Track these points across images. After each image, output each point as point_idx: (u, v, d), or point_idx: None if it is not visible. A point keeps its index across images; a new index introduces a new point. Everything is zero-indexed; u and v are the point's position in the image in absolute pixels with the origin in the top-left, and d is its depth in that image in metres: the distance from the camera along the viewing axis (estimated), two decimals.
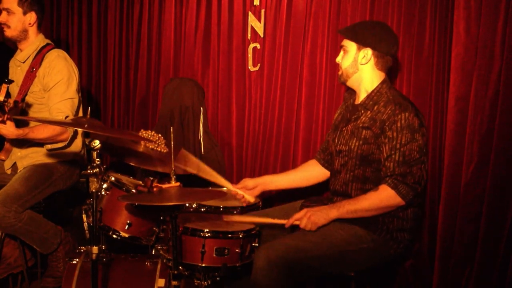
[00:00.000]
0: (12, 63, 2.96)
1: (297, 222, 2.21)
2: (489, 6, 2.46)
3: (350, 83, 2.37)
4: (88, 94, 3.92)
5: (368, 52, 2.28)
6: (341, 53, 2.37)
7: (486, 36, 2.47)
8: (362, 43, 2.29)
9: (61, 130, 2.68)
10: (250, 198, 2.53)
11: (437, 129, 2.79)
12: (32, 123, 2.70)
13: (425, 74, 2.80)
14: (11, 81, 2.59)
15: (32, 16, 2.78)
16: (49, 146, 2.76)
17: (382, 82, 2.31)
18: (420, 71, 2.81)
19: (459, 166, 2.59)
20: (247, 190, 2.55)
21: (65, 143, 2.76)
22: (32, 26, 2.80)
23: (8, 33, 2.79)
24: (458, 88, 2.56)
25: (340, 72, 2.38)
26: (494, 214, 2.51)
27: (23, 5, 2.76)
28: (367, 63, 2.29)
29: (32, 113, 2.80)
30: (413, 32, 2.80)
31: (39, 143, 2.76)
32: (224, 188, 2.61)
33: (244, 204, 2.53)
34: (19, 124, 2.59)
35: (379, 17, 2.87)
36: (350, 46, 2.32)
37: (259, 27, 3.23)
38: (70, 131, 2.73)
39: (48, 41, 2.89)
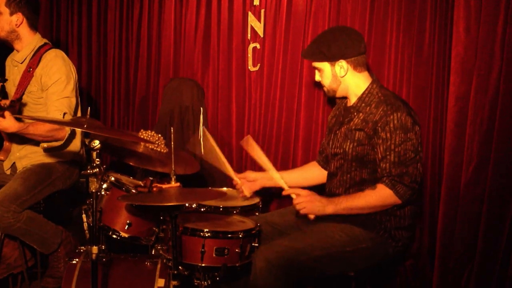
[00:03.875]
0: (8, 62, 2.95)
1: (294, 195, 2.26)
2: (489, 6, 2.46)
3: (338, 94, 2.37)
4: (88, 94, 3.92)
5: (342, 63, 2.27)
6: (316, 72, 2.37)
7: (486, 36, 2.48)
8: (332, 58, 2.27)
9: (59, 126, 2.68)
10: (246, 191, 2.54)
11: (437, 129, 2.79)
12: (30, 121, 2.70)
13: (425, 74, 2.80)
14: (5, 80, 2.59)
15: (19, 17, 2.75)
16: (45, 145, 2.76)
17: (372, 83, 2.30)
18: (420, 71, 2.81)
19: (459, 166, 2.59)
20: (248, 181, 2.55)
21: (62, 141, 2.75)
22: (19, 27, 2.76)
23: None
24: (458, 88, 2.56)
25: (326, 89, 2.38)
26: (494, 214, 2.52)
27: (10, 5, 2.72)
28: (346, 73, 2.29)
29: (30, 113, 2.79)
30: (413, 32, 2.80)
31: (38, 143, 2.77)
32: (224, 188, 2.61)
33: (241, 195, 2.56)
34: None
35: (379, 17, 2.88)
36: (323, 65, 2.31)
37: (259, 27, 3.23)
38: (67, 129, 2.72)
39: (45, 40, 2.88)
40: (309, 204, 2.21)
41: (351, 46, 2.25)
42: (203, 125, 3.30)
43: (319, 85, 3.08)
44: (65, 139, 2.76)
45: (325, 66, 2.30)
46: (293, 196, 2.26)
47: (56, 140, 2.74)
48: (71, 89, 2.77)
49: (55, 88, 2.72)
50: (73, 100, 2.78)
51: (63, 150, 2.83)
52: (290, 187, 2.58)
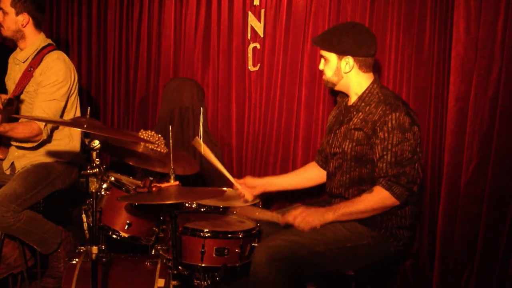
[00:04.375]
0: (11, 60, 2.95)
1: (292, 221, 2.22)
2: (489, 6, 2.46)
3: (338, 88, 2.37)
4: (88, 94, 3.92)
5: (349, 60, 2.26)
6: (322, 60, 2.35)
7: (486, 36, 2.48)
8: (341, 52, 2.26)
9: (38, 132, 2.68)
10: (248, 196, 2.53)
11: (437, 129, 2.79)
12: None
13: (425, 74, 2.80)
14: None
15: (25, 17, 2.75)
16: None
17: (373, 82, 2.30)
18: (420, 71, 2.81)
19: (459, 166, 2.59)
20: (247, 187, 2.55)
21: (35, 144, 2.76)
22: (25, 27, 2.77)
23: (3, 32, 2.80)
24: (458, 88, 2.56)
25: (325, 79, 2.36)
26: (494, 214, 2.52)
27: (16, 5, 2.73)
28: (351, 70, 2.28)
29: (26, 112, 2.79)
30: (413, 32, 2.80)
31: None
32: (224, 188, 2.61)
33: (242, 200, 2.55)
34: (12, 120, 2.62)
35: (379, 17, 2.87)
36: (330, 56, 2.29)
37: (259, 27, 3.23)
38: (44, 135, 2.71)
39: (49, 41, 2.88)
40: (308, 218, 2.20)
41: (362, 45, 2.24)
42: (202, 126, 3.30)
43: (319, 84, 3.10)
44: (38, 143, 2.76)
45: (332, 57, 2.29)
46: (291, 219, 2.23)
47: (33, 142, 2.75)
48: (62, 93, 2.75)
49: (48, 89, 2.71)
50: (61, 104, 2.76)
51: (64, 150, 2.83)
52: (292, 190, 2.59)
